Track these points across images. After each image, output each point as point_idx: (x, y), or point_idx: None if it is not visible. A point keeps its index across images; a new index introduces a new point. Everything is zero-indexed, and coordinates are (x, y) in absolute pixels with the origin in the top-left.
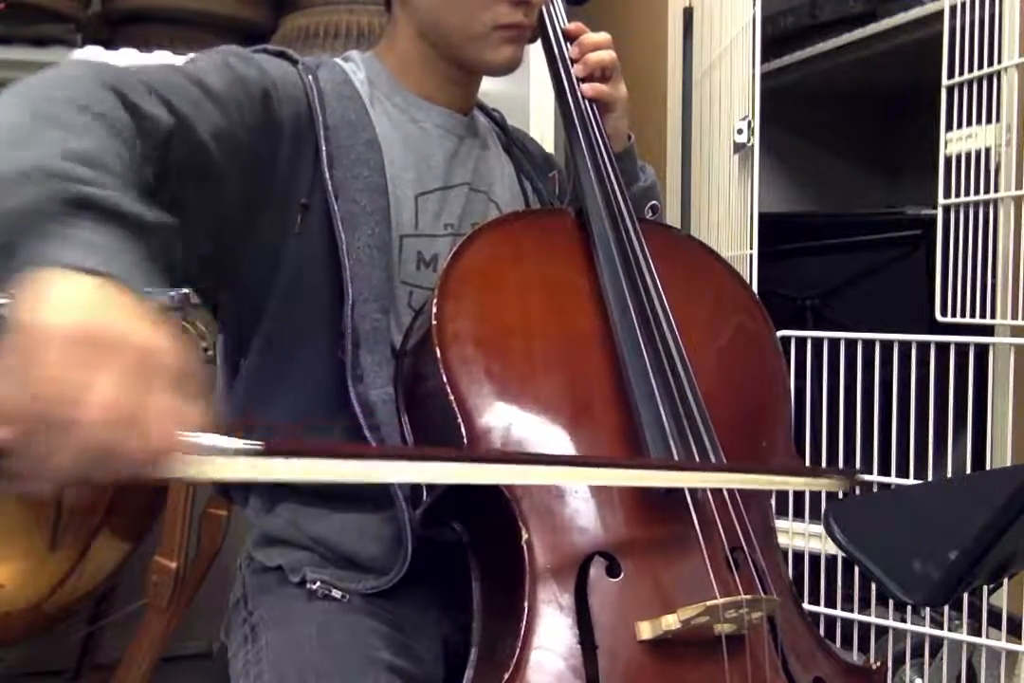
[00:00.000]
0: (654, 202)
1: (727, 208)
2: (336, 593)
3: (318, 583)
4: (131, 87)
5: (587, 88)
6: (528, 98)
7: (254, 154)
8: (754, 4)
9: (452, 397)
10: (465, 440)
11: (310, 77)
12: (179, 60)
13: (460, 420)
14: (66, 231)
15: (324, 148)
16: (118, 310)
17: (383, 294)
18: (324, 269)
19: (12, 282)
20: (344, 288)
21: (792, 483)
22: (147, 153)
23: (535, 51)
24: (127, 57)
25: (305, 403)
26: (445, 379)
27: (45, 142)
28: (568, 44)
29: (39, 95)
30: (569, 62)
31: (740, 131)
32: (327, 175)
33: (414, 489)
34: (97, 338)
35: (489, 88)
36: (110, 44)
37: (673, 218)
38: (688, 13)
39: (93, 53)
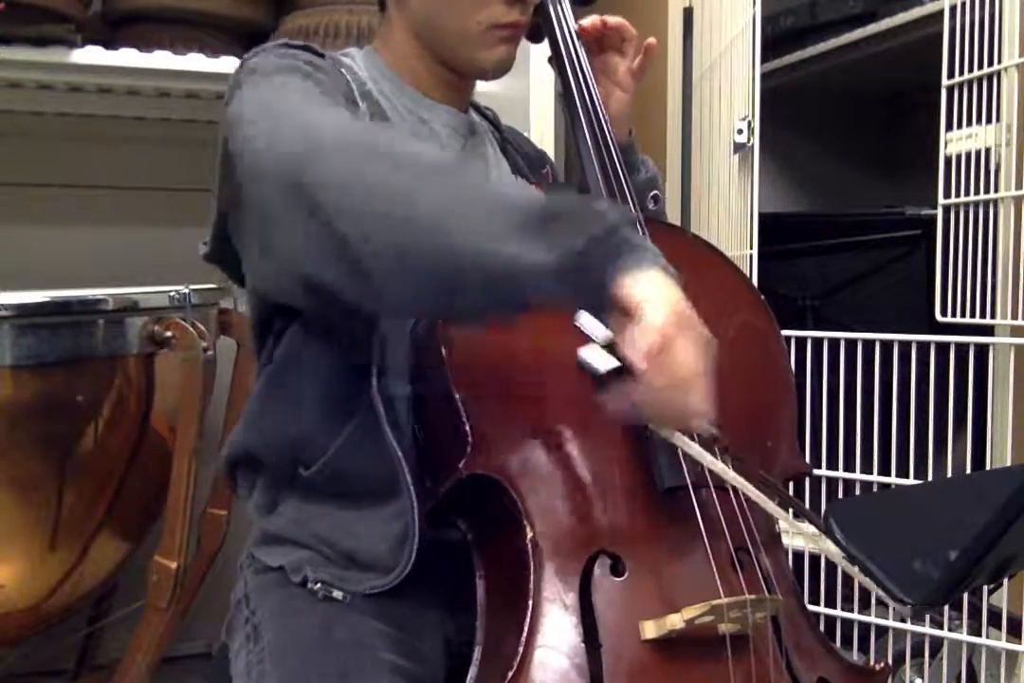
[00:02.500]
0: (655, 192)
1: (727, 208)
2: (337, 594)
3: (319, 584)
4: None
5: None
6: (528, 98)
7: None
8: (754, 4)
9: (457, 395)
10: (470, 440)
11: (342, 69)
12: (180, 61)
13: (465, 419)
14: (632, 245)
15: None
16: (676, 291)
17: None
18: None
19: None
20: None
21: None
22: None
23: (535, 51)
24: (127, 57)
25: (324, 396)
26: (451, 378)
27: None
28: (576, 42)
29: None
30: (576, 59)
31: (740, 131)
32: None
33: (423, 484)
34: (691, 323)
35: (489, 88)
36: (110, 44)
37: (673, 218)
38: (688, 13)
39: (93, 53)
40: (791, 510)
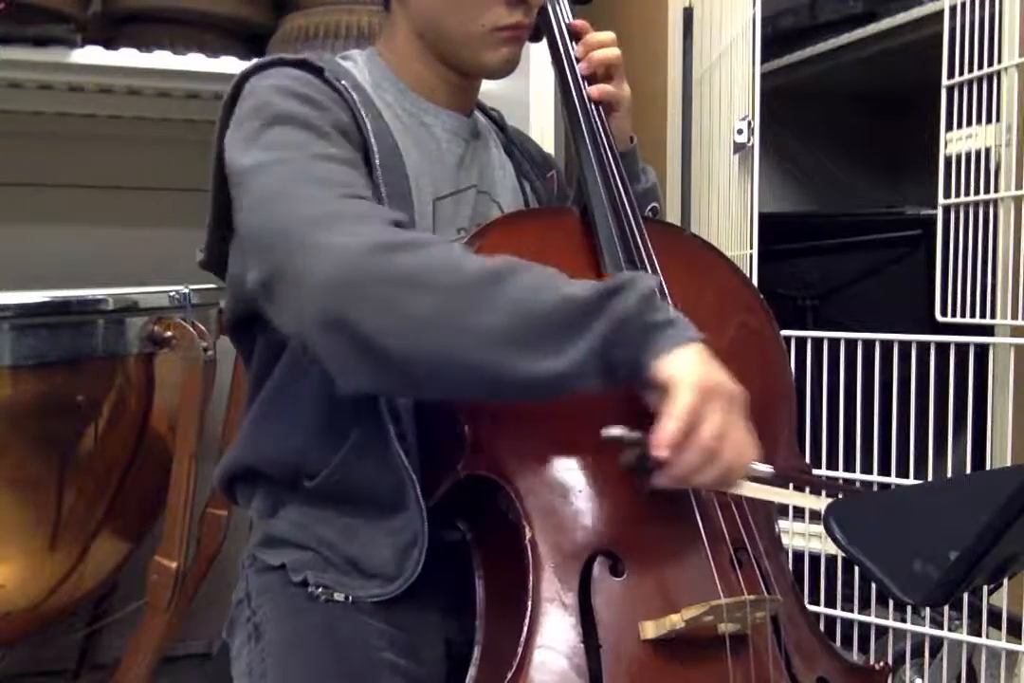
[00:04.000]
0: (654, 204)
1: (727, 208)
2: (339, 596)
3: (320, 588)
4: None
5: (592, 89)
6: (528, 98)
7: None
8: (754, 4)
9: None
10: (468, 440)
11: (342, 83)
12: (180, 61)
13: (462, 420)
14: (658, 326)
15: (375, 149)
16: (713, 366)
17: None
18: None
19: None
20: None
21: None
22: None
23: (536, 51)
24: (127, 57)
25: (328, 408)
26: None
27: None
28: (574, 43)
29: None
30: (575, 61)
31: (740, 131)
32: (380, 176)
33: (427, 493)
34: (715, 390)
35: (489, 88)
36: (110, 44)
37: (673, 218)
38: (688, 13)
39: (93, 53)
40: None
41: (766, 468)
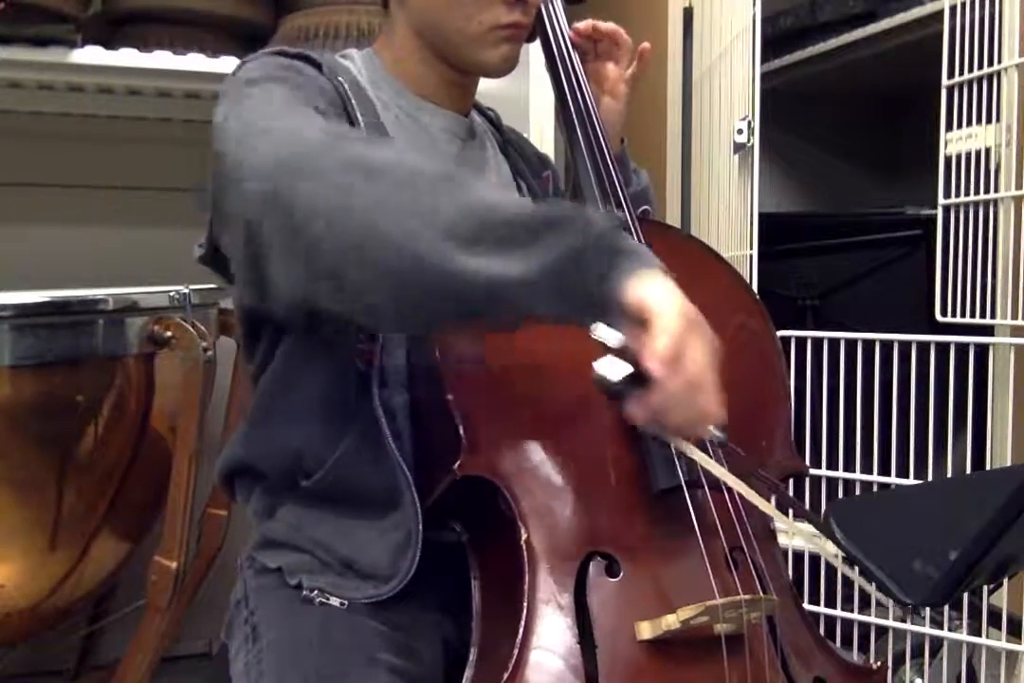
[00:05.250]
0: (646, 207)
1: (727, 208)
2: (334, 601)
3: (315, 591)
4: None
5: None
6: (528, 98)
7: None
8: (754, 4)
9: (450, 396)
10: (464, 442)
11: (339, 78)
12: (180, 61)
13: (459, 422)
14: (625, 250)
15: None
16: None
17: None
18: None
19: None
20: None
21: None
22: None
23: (535, 51)
24: (127, 57)
25: (324, 407)
26: (445, 378)
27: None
28: (568, 43)
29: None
30: (569, 61)
31: (740, 131)
32: None
33: (422, 493)
34: (697, 321)
35: (488, 88)
36: (110, 44)
37: (673, 218)
38: (688, 13)
39: (93, 53)
40: (791, 511)
41: (722, 434)
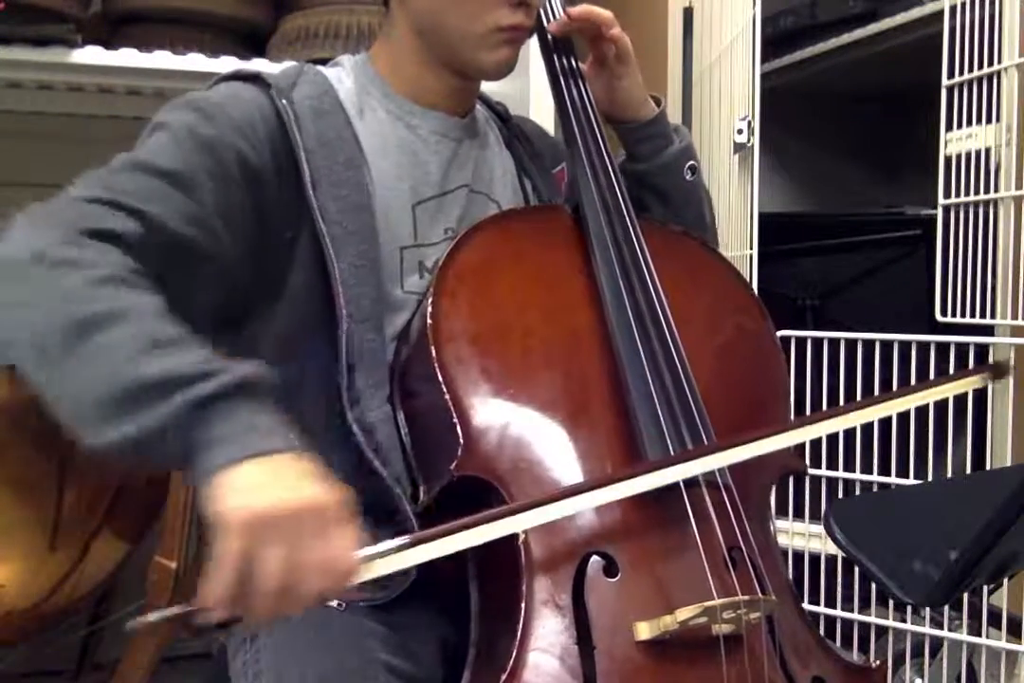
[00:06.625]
0: (692, 162)
1: (727, 208)
2: (332, 602)
3: None
4: (94, 217)
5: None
6: (528, 97)
7: (242, 213)
8: (754, 4)
9: (448, 396)
10: (461, 440)
11: (284, 101)
12: (180, 61)
13: (456, 420)
14: (209, 436)
15: (307, 171)
16: (272, 485)
17: (374, 313)
18: (319, 295)
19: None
20: (337, 312)
21: (931, 394)
22: (144, 269)
23: (535, 50)
24: (127, 57)
25: (309, 429)
26: (440, 378)
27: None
28: (563, 43)
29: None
30: (566, 59)
31: (740, 131)
32: (312, 198)
33: (417, 500)
34: (266, 521)
35: (489, 88)
36: (110, 44)
37: None
38: (688, 13)
39: (93, 53)
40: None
41: (387, 545)
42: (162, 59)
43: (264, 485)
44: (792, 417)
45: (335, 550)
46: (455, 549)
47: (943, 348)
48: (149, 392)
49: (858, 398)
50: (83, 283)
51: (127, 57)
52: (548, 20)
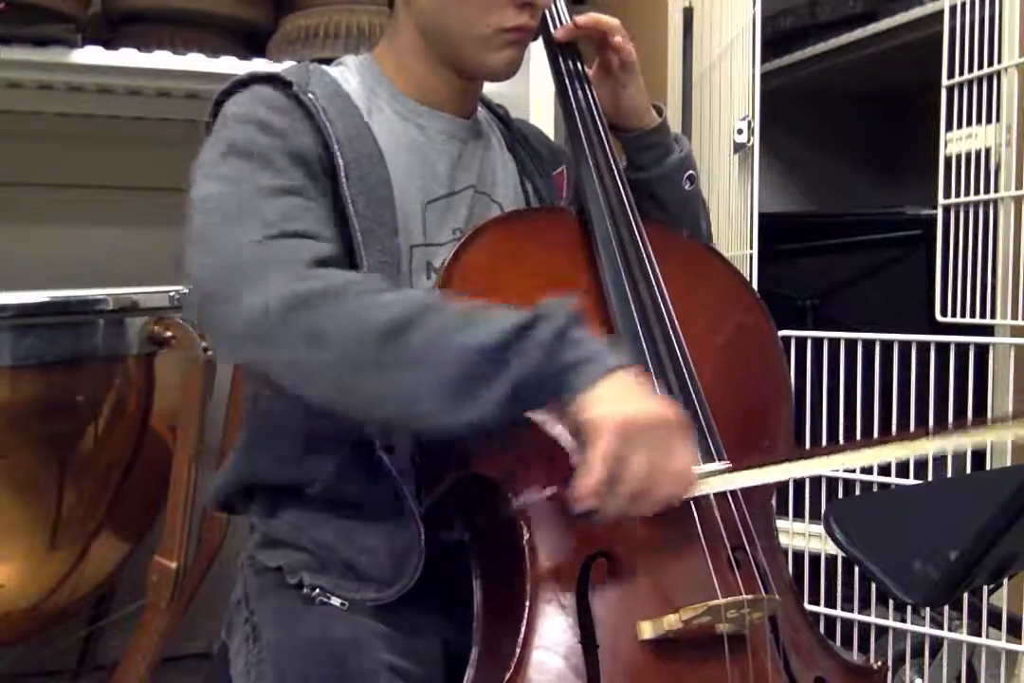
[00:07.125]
0: (691, 172)
1: (727, 208)
2: (335, 600)
3: (316, 590)
4: (288, 250)
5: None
6: (528, 98)
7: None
8: (754, 4)
9: None
10: (467, 442)
11: (309, 96)
12: (180, 61)
13: None
14: (570, 366)
15: (341, 164)
16: (634, 396)
17: None
18: None
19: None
20: None
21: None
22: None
23: (536, 51)
24: (127, 57)
25: (313, 428)
26: None
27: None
28: (569, 47)
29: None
30: (572, 62)
31: (740, 131)
32: (345, 189)
33: (423, 500)
34: (636, 426)
35: (489, 88)
36: (110, 44)
37: None
38: (688, 13)
39: (93, 53)
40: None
41: (720, 466)
42: (162, 59)
43: (628, 397)
44: (792, 417)
45: (685, 460)
46: (772, 480)
47: (943, 348)
48: (502, 352)
49: (857, 398)
50: (354, 299)
51: (127, 57)
52: (555, 26)
